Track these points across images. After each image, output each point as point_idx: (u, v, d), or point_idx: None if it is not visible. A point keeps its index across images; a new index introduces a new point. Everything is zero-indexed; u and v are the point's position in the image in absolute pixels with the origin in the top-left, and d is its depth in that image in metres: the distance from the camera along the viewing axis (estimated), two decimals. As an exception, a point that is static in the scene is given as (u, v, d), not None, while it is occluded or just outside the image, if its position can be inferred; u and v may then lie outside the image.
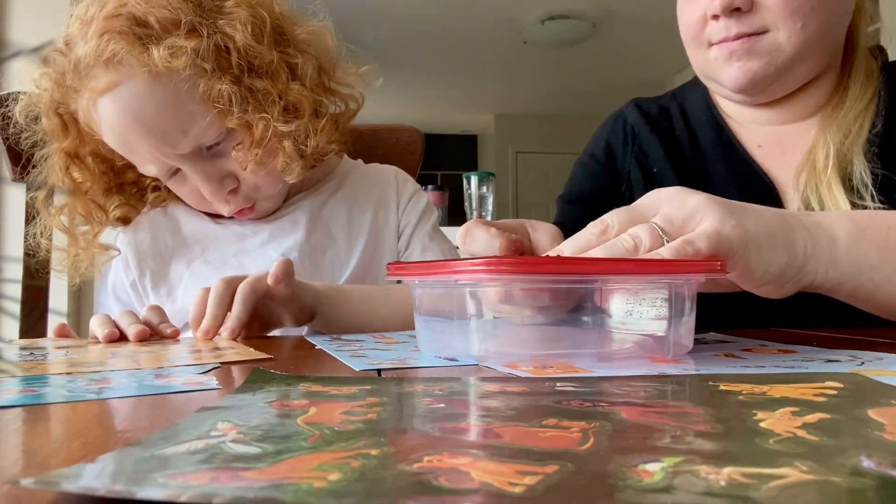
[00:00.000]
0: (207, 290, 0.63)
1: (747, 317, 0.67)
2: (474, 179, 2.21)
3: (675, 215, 0.45)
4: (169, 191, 0.84)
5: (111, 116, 0.70)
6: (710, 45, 0.72)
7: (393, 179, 0.93)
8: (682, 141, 0.81)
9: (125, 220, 0.87)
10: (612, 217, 0.47)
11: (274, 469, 0.18)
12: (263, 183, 0.78)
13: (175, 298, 0.81)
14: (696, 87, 0.84)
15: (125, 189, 0.85)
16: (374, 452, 0.19)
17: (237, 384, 0.33)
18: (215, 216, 0.85)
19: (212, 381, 0.35)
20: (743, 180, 0.76)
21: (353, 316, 0.73)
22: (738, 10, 0.67)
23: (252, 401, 0.28)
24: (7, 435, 0.25)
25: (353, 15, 3.63)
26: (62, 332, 0.67)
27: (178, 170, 0.76)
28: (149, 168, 0.76)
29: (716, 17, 0.69)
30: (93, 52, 0.68)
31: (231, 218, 0.84)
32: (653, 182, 0.80)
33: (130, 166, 0.79)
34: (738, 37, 0.69)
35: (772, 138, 0.76)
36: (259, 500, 0.15)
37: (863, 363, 0.38)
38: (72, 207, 0.80)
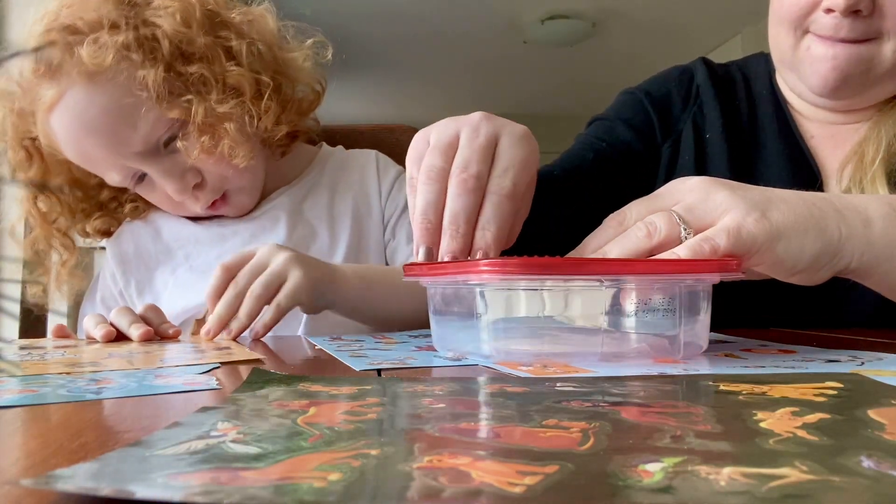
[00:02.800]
0: (223, 282, 0.63)
1: (747, 317, 0.67)
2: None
3: (697, 206, 0.44)
4: (146, 202, 0.84)
5: (63, 129, 0.72)
6: (807, 31, 0.67)
7: (373, 164, 0.91)
8: (741, 111, 0.78)
9: (106, 233, 0.87)
10: (631, 210, 0.46)
11: (274, 469, 0.18)
12: (227, 173, 0.78)
13: (160, 306, 0.80)
14: (760, 61, 0.81)
15: (105, 205, 0.87)
16: (374, 452, 0.19)
17: (237, 384, 0.33)
18: (196, 218, 0.85)
19: (212, 381, 0.35)
20: (792, 163, 0.73)
21: (354, 298, 0.72)
22: (857, 11, 0.63)
23: (252, 401, 0.28)
24: (7, 435, 0.25)
25: (353, 15, 3.63)
26: (61, 333, 0.67)
27: (144, 175, 0.77)
28: (113, 176, 0.76)
29: (830, 10, 0.64)
30: (31, 68, 0.70)
31: (212, 219, 0.84)
32: (703, 148, 0.77)
33: (104, 184, 0.80)
34: (844, 40, 0.65)
35: (825, 131, 0.74)
36: (259, 500, 0.15)
37: (863, 363, 0.38)
38: (39, 238, 0.81)
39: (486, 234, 0.44)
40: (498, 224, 0.44)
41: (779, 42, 0.71)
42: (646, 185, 0.51)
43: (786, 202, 0.45)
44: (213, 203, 0.80)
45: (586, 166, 0.77)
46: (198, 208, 0.80)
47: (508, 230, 0.45)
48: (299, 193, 0.88)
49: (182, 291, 0.80)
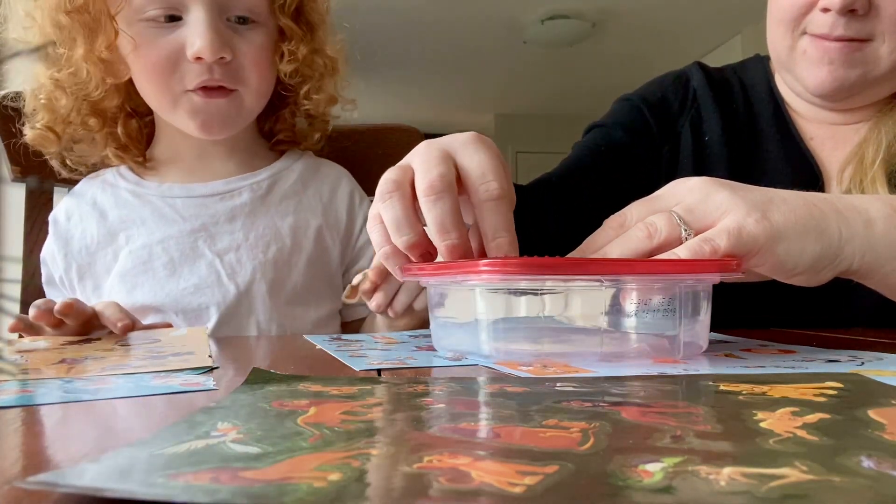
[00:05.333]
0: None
1: (747, 317, 0.67)
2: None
3: (697, 207, 0.44)
4: (124, 152, 0.80)
5: None
6: (804, 32, 0.67)
7: (347, 186, 0.87)
8: (740, 114, 0.78)
9: (69, 176, 0.82)
10: (632, 210, 0.46)
11: (274, 469, 0.18)
12: (255, 75, 0.75)
13: (101, 293, 0.77)
14: (758, 64, 0.81)
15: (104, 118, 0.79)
16: (374, 452, 0.19)
17: (237, 384, 0.33)
18: (144, 197, 0.79)
19: (209, 381, 0.35)
20: (792, 165, 0.73)
21: None
22: (853, 11, 0.63)
23: (252, 401, 0.28)
24: (7, 435, 0.25)
25: (352, 14, 3.63)
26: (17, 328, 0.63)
27: (178, 19, 0.71)
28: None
29: (826, 9, 0.64)
30: None
31: (162, 199, 0.79)
32: (702, 150, 0.77)
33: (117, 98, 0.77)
34: (839, 39, 0.65)
35: (825, 132, 0.74)
36: (259, 500, 0.15)
37: (863, 363, 0.38)
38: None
39: (500, 244, 0.43)
40: (506, 228, 0.43)
41: (776, 43, 0.71)
42: (645, 188, 0.51)
43: (786, 203, 0.45)
44: (216, 90, 0.74)
45: (585, 169, 0.77)
46: (194, 77, 0.72)
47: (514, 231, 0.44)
48: (262, 186, 0.82)
49: (122, 284, 0.75)
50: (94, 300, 0.74)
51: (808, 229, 0.44)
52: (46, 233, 0.83)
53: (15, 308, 0.82)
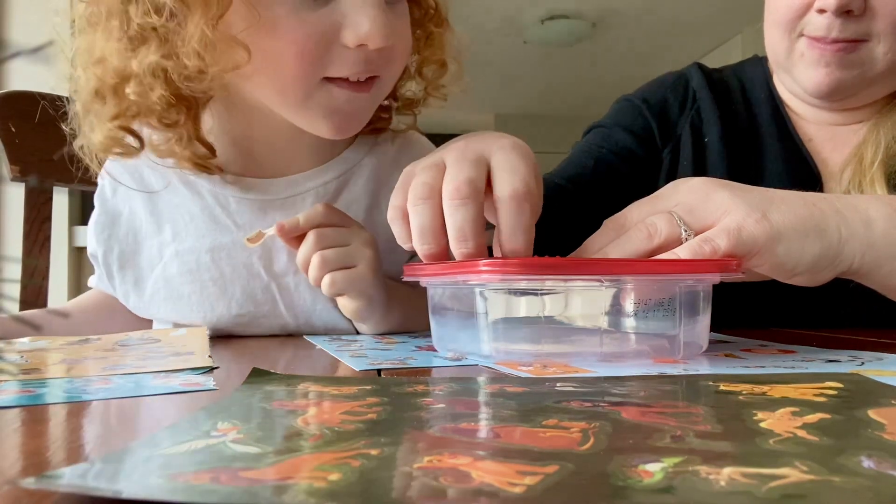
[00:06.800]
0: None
1: (747, 317, 0.67)
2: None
3: (697, 207, 0.44)
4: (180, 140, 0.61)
5: None
6: (801, 35, 0.68)
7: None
8: (739, 115, 0.78)
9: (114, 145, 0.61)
10: (632, 211, 0.46)
11: (274, 469, 0.18)
12: (401, 60, 0.61)
13: (142, 291, 0.67)
14: (757, 65, 0.81)
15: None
16: (374, 452, 0.19)
17: (237, 384, 0.33)
18: (197, 190, 0.66)
19: (209, 381, 0.35)
20: (791, 166, 0.74)
21: (392, 323, 0.63)
22: (849, 12, 0.64)
23: (252, 401, 0.28)
24: (7, 435, 0.25)
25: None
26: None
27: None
28: None
29: (822, 11, 0.64)
30: None
31: (213, 195, 0.65)
32: (702, 151, 0.77)
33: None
34: (836, 41, 0.65)
35: (824, 133, 0.75)
36: (259, 500, 0.15)
37: (863, 363, 0.38)
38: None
39: (516, 249, 0.42)
40: (524, 229, 0.42)
41: (773, 45, 0.72)
42: (645, 189, 0.51)
43: (786, 203, 0.45)
44: (363, 83, 0.58)
45: (587, 173, 0.77)
46: (349, 66, 0.55)
47: (533, 235, 0.43)
48: (329, 189, 0.67)
49: (166, 290, 0.66)
50: (132, 296, 0.67)
51: (808, 229, 0.44)
52: (46, 233, 0.83)
53: (14, 308, 0.82)
